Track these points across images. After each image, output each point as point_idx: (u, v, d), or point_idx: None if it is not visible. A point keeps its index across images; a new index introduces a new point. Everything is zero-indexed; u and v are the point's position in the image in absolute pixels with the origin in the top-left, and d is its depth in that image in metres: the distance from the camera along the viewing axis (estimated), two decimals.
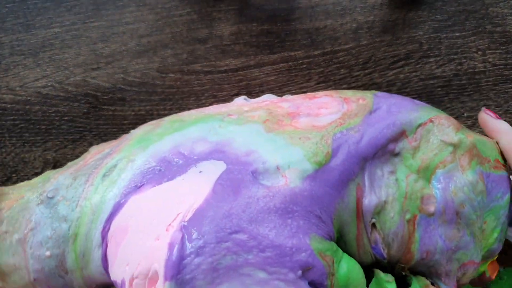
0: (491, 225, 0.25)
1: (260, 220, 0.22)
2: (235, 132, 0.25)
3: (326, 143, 0.24)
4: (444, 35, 0.37)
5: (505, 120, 0.36)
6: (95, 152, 0.26)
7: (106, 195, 0.23)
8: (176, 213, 0.22)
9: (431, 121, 0.25)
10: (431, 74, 0.36)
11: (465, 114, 0.36)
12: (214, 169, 0.23)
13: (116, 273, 0.23)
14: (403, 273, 0.26)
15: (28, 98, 0.36)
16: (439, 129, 0.25)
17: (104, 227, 0.23)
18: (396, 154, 0.24)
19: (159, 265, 0.21)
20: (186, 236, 0.21)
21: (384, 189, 0.24)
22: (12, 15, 0.36)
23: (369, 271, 0.26)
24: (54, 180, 0.25)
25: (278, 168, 0.23)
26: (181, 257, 0.21)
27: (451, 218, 0.24)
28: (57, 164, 0.36)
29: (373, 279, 0.26)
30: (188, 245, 0.21)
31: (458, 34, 0.37)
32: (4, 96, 0.36)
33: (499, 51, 0.37)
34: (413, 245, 0.24)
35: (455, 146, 0.25)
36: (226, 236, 0.21)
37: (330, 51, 0.37)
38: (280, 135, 0.24)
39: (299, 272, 0.21)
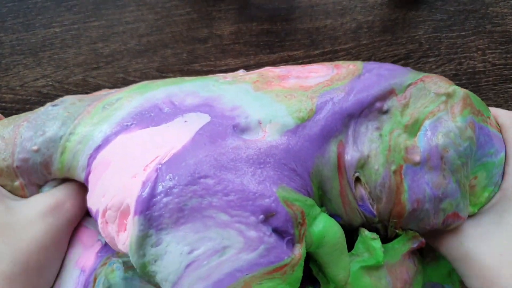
0: (482, 182, 0.25)
1: (230, 167, 0.23)
2: (225, 90, 0.26)
3: (311, 101, 0.24)
4: (444, 35, 0.37)
5: None
6: (103, 91, 0.30)
7: (100, 125, 0.25)
8: (155, 156, 0.23)
9: (422, 80, 0.25)
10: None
11: None
12: (198, 121, 0.24)
13: (93, 202, 0.24)
14: (397, 232, 0.26)
15: (28, 98, 0.36)
16: (431, 85, 0.25)
17: (91, 155, 0.25)
18: (385, 112, 0.24)
19: (131, 200, 0.22)
20: (159, 177, 0.22)
21: (367, 144, 0.24)
22: (12, 14, 0.36)
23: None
24: (63, 98, 0.27)
25: (260, 122, 0.24)
26: (152, 195, 0.22)
27: (436, 164, 0.24)
28: None
29: (358, 238, 0.26)
30: (160, 185, 0.22)
31: (458, 34, 0.37)
32: (4, 95, 0.36)
33: (499, 51, 0.37)
34: (403, 195, 0.24)
35: (449, 95, 0.25)
36: (195, 180, 0.22)
37: (330, 50, 0.37)
38: (268, 93, 0.25)
39: (261, 217, 0.22)
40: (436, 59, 0.37)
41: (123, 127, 0.25)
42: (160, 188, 0.22)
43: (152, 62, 0.37)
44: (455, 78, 0.36)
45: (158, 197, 0.22)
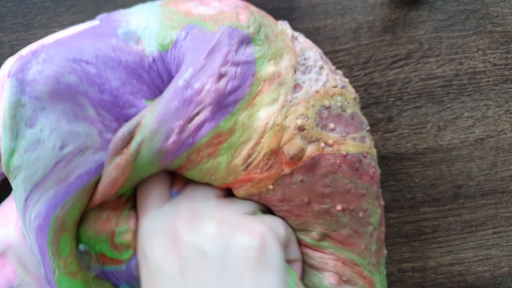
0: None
1: (111, 67, 0.23)
2: (137, 7, 0.26)
3: (177, 31, 0.24)
4: (445, 35, 0.37)
5: (505, 120, 0.36)
6: None
7: None
8: (41, 42, 0.23)
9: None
10: (431, 74, 0.36)
11: (465, 114, 0.36)
12: (88, 24, 0.25)
13: None
14: None
15: None
16: None
17: None
18: None
19: (6, 70, 0.22)
20: (39, 49, 0.22)
21: None
22: (11, 14, 0.36)
23: None
24: None
25: (135, 33, 0.24)
26: (28, 60, 0.22)
27: None
28: None
29: None
30: (40, 53, 0.22)
31: (458, 34, 0.37)
32: None
33: (500, 51, 0.37)
34: None
35: None
36: (77, 61, 0.22)
37: (330, 50, 0.37)
38: (162, 9, 0.25)
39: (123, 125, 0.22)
40: (436, 59, 0.37)
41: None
42: (37, 55, 0.22)
43: None
44: (456, 78, 0.36)
45: (34, 62, 0.22)
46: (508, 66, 0.36)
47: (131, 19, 0.25)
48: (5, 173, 0.22)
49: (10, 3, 0.36)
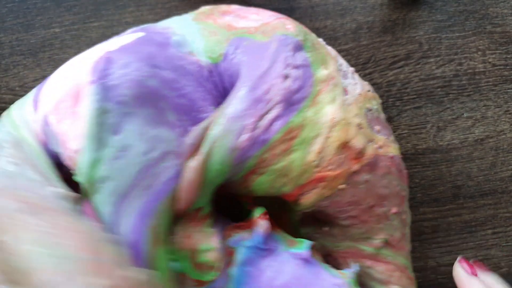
0: None
1: (183, 73, 0.23)
2: (170, 20, 0.26)
3: (225, 44, 0.25)
4: (444, 35, 0.37)
5: (504, 121, 0.36)
6: None
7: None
8: (102, 50, 0.23)
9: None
10: (431, 74, 0.36)
11: (465, 114, 0.36)
12: (135, 35, 0.24)
13: (39, 117, 0.22)
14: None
15: None
16: None
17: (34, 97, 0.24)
18: None
19: (84, 77, 0.21)
20: (113, 56, 0.22)
21: None
22: (12, 15, 0.36)
23: None
24: None
25: (186, 45, 0.24)
26: (105, 66, 0.21)
27: None
28: None
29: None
30: (114, 59, 0.21)
31: (458, 34, 0.37)
32: (4, 96, 0.36)
33: (499, 51, 0.37)
34: None
35: None
36: (154, 66, 0.22)
37: None
38: (200, 24, 0.25)
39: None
40: (436, 59, 0.37)
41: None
42: (116, 60, 0.21)
43: None
44: (455, 78, 0.36)
45: (115, 67, 0.21)
46: (508, 67, 0.37)
47: (175, 31, 0.25)
48: (82, 186, 0.20)
49: (10, 4, 0.36)
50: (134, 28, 0.26)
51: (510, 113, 0.36)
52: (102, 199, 0.20)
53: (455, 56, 0.37)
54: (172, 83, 0.22)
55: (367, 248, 0.25)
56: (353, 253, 0.26)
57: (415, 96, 0.36)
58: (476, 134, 0.36)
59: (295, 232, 0.26)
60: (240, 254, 0.23)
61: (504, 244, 0.35)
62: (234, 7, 0.27)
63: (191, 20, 0.26)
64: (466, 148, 0.36)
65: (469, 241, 0.35)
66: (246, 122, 0.22)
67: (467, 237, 0.35)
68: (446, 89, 0.36)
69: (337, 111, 0.23)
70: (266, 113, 0.22)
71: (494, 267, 0.35)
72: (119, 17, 0.37)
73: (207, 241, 0.22)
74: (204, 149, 0.22)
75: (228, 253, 0.23)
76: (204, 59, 0.24)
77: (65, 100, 0.21)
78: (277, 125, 0.22)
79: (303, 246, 0.24)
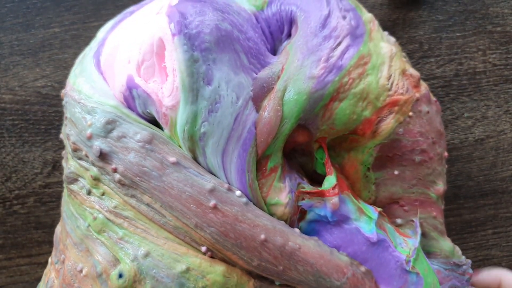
0: None
1: (242, 18, 0.23)
2: None
3: None
4: (444, 35, 0.37)
5: (505, 121, 0.36)
6: None
7: (98, 36, 0.26)
8: (161, 5, 0.23)
9: None
10: (431, 74, 0.36)
11: (465, 114, 0.36)
12: None
13: (119, 82, 0.23)
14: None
15: (28, 98, 0.36)
16: None
17: (95, 63, 0.25)
18: None
19: (162, 32, 0.21)
20: (184, 6, 0.22)
21: None
22: (11, 15, 0.36)
23: None
24: None
25: None
26: (181, 16, 0.21)
27: None
28: (56, 164, 0.36)
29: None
30: (186, 8, 0.22)
31: (458, 34, 0.37)
32: (4, 96, 0.36)
33: (499, 51, 0.37)
34: None
35: None
36: (221, 10, 0.22)
37: None
38: None
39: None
40: (436, 59, 0.37)
41: (127, 14, 0.25)
42: (189, 9, 0.22)
43: None
44: (456, 78, 0.36)
45: (190, 15, 0.21)
46: (508, 67, 0.37)
47: None
48: (184, 146, 0.21)
49: (10, 3, 0.36)
50: None
51: (510, 113, 0.36)
52: (208, 158, 0.21)
53: (455, 56, 0.37)
54: (239, 26, 0.23)
55: (433, 195, 0.27)
56: (422, 201, 0.27)
57: None
58: (477, 134, 0.36)
59: (365, 182, 0.27)
60: (311, 216, 0.24)
61: (504, 244, 0.35)
62: None
63: None
64: (466, 148, 0.36)
65: (469, 241, 0.35)
66: (320, 55, 0.23)
67: (467, 237, 0.35)
68: (446, 89, 0.36)
69: (390, 46, 0.26)
70: (338, 44, 0.24)
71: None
72: None
73: (275, 195, 0.23)
74: (278, 86, 0.23)
75: (298, 211, 0.24)
76: (248, 7, 0.25)
77: (147, 58, 0.22)
78: (350, 52, 0.24)
79: (371, 214, 0.25)
